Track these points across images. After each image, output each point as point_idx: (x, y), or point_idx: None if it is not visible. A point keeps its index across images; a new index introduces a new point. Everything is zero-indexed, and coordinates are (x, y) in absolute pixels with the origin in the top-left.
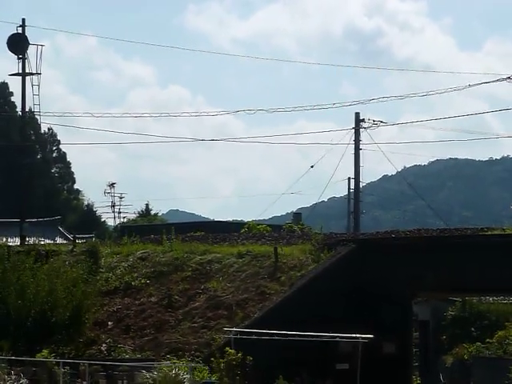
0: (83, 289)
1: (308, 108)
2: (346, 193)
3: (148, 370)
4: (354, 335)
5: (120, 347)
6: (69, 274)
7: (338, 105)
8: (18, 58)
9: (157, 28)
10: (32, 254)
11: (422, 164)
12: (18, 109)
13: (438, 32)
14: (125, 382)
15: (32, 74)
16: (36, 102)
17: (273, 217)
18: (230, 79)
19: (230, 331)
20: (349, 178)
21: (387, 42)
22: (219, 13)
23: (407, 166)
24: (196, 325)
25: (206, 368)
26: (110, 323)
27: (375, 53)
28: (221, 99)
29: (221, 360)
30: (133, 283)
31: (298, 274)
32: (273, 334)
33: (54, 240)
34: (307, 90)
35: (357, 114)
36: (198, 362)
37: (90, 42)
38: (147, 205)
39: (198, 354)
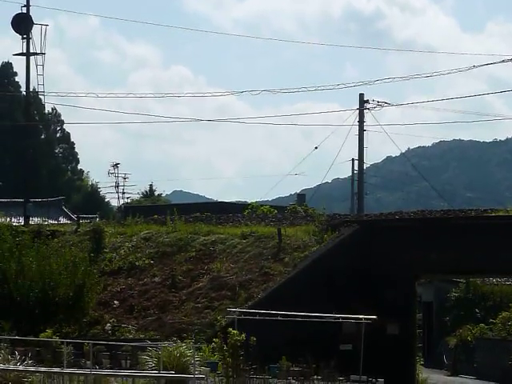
0: (83, 268)
1: (312, 89)
2: (350, 174)
3: (152, 349)
4: (357, 316)
5: (124, 327)
6: (71, 253)
7: (342, 86)
8: (22, 38)
9: (156, 9)
10: (34, 234)
11: (426, 145)
12: (22, 89)
13: (440, 13)
14: (128, 361)
15: (36, 53)
16: (40, 82)
17: (277, 198)
18: (231, 60)
19: (234, 312)
20: (353, 160)
21: (389, 23)
22: None
23: (411, 147)
24: (199, 305)
25: (209, 348)
26: (116, 302)
27: (377, 34)
28: (222, 80)
29: (220, 341)
30: (136, 263)
31: (302, 255)
32: (276, 315)
33: (58, 220)
34: (309, 71)
35: (361, 95)
36: (202, 343)
37: (92, 22)
38: (151, 185)
39: (201, 334)
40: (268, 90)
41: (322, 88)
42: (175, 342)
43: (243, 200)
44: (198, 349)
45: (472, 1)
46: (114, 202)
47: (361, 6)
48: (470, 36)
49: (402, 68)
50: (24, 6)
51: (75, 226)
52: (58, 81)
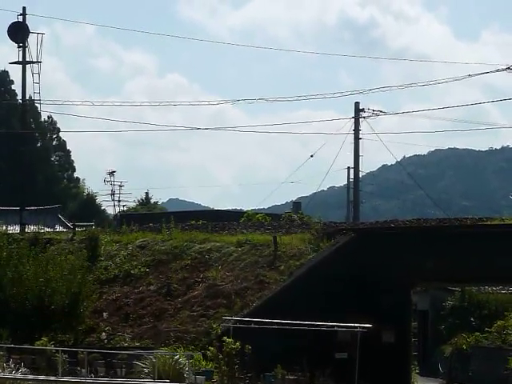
0: (80, 276)
1: (308, 97)
2: (346, 182)
3: (147, 358)
4: (352, 324)
5: (119, 335)
6: (67, 261)
7: (338, 94)
8: (19, 47)
9: (151, 17)
10: (31, 242)
11: (422, 154)
12: (19, 97)
13: (434, 21)
14: (123, 370)
15: (32, 62)
16: (36, 90)
17: (272, 206)
18: (226, 68)
19: (229, 320)
20: (348, 168)
21: (383, 32)
22: (212, 2)
23: (407, 155)
24: (195, 313)
25: (200, 356)
26: (105, 314)
27: (371, 42)
28: (217, 87)
29: (215, 349)
30: (132, 271)
31: (297, 263)
32: (272, 323)
33: (54, 228)
34: (304, 79)
35: (356, 104)
36: (197, 351)
37: (88, 30)
38: (147, 193)
39: (196, 342)
40: (264, 99)
41: (318, 96)
42: (170, 351)
43: (239, 208)
44: (192, 357)
45: (466, 10)
46: (110, 210)
47: (355, 14)
48: (464, 44)
49: (397, 76)
50: (20, 15)
51: (71, 234)
52: (54, 89)
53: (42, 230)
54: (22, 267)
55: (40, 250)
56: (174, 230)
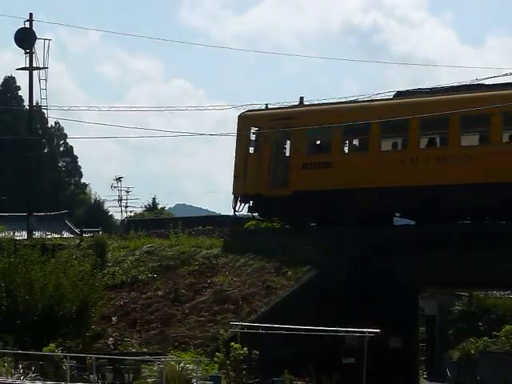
0: (90, 283)
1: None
2: None
3: (155, 363)
4: (360, 330)
5: (127, 341)
6: (75, 267)
7: (344, 100)
8: (26, 53)
9: (155, 24)
10: (39, 248)
11: None
12: (26, 103)
13: (438, 26)
14: (131, 375)
15: (39, 68)
16: (43, 96)
17: None
18: (230, 74)
19: (237, 325)
20: None
21: (387, 37)
22: (214, 8)
23: None
24: (202, 319)
25: (210, 361)
26: (114, 318)
27: (375, 47)
28: (222, 93)
29: (224, 355)
30: (139, 277)
31: (304, 269)
32: (279, 329)
33: (61, 234)
34: (309, 85)
35: None
36: (204, 356)
37: (94, 36)
38: (154, 199)
39: (204, 348)
40: (270, 105)
41: (325, 102)
42: (177, 356)
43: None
44: (200, 361)
45: (471, 14)
46: (117, 216)
47: (358, 20)
48: (469, 49)
49: (403, 81)
50: (27, 21)
51: (78, 240)
52: (61, 94)
53: (49, 236)
54: (30, 273)
55: (48, 256)
56: (181, 235)
